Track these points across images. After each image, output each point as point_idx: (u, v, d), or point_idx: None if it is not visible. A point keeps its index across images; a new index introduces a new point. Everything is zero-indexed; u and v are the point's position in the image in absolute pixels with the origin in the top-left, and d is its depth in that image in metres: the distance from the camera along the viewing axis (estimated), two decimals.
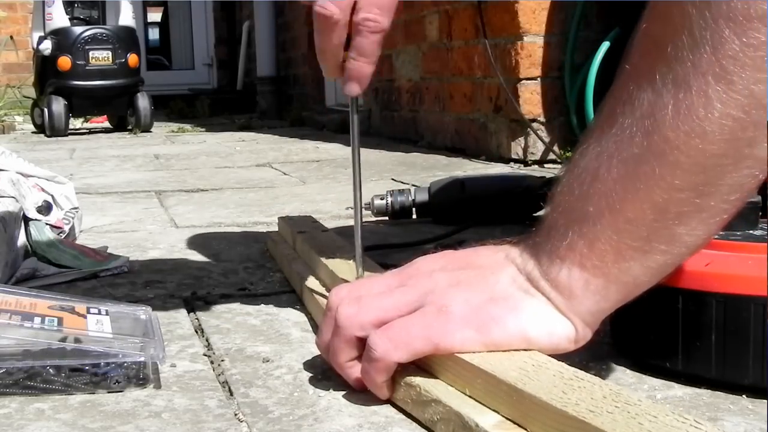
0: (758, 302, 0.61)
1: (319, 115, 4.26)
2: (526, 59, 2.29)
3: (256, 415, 0.62)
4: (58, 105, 4.13)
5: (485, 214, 1.33)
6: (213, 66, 7.41)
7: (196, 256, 1.20)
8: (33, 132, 4.44)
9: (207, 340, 0.81)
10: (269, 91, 5.37)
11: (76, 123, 4.66)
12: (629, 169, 0.55)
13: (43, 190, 1.23)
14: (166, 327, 0.84)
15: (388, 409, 0.62)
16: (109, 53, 4.28)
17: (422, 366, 0.61)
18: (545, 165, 2.26)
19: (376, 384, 0.61)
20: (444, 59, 2.76)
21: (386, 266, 0.79)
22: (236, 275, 1.07)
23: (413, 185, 1.74)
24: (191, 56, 7.76)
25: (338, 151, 2.83)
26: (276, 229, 1.23)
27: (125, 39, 4.35)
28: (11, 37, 6.20)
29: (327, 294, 0.80)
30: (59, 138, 4.04)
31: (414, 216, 1.43)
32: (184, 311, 0.91)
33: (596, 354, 0.70)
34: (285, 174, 2.24)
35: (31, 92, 4.72)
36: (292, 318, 0.87)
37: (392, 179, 2.02)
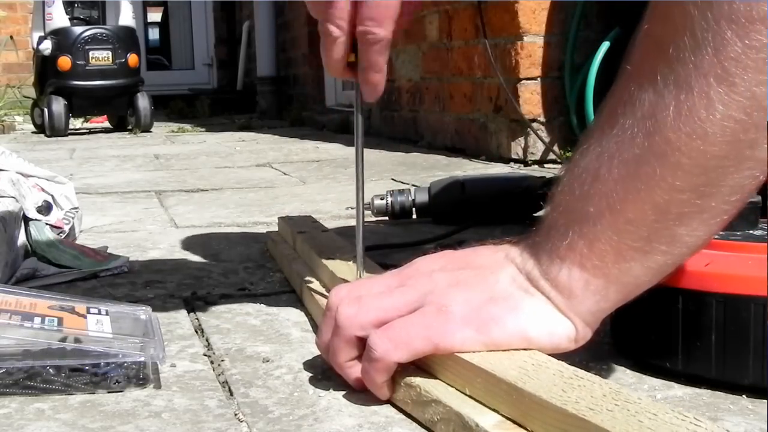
0: (758, 302, 0.61)
1: (319, 115, 4.26)
2: (526, 59, 2.29)
3: (256, 415, 0.62)
4: (58, 105, 4.13)
5: (485, 215, 1.33)
6: (213, 66, 7.41)
7: (196, 256, 1.20)
8: (33, 132, 4.44)
9: (207, 340, 0.81)
10: (269, 91, 5.37)
11: (76, 123, 4.66)
12: (630, 169, 0.55)
13: (43, 190, 1.23)
14: (166, 327, 0.84)
15: (388, 409, 0.62)
16: (109, 53, 4.28)
17: (422, 366, 0.61)
18: (545, 165, 2.26)
19: (376, 384, 0.61)
20: (444, 59, 2.76)
21: (386, 266, 0.79)
22: (236, 275, 1.07)
23: (413, 185, 1.74)
24: (191, 56, 7.76)
25: (338, 151, 2.83)
26: (276, 229, 1.23)
27: (125, 39, 4.35)
28: (11, 37, 6.21)
29: (327, 294, 0.80)
30: (59, 138, 4.04)
31: (414, 216, 1.43)
32: (184, 311, 0.91)
33: (596, 354, 0.70)
34: (285, 174, 2.24)
35: (31, 92, 4.72)
36: (292, 318, 0.87)
37: (392, 179, 2.02)
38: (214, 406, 0.64)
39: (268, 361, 0.74)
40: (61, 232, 1.19)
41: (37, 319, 0.68)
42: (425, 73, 2.94)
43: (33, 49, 4.42)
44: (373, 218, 1.42)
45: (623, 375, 0.68)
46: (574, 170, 0.58)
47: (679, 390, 0.65)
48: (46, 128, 4.13)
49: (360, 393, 0.63)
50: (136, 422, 0.61)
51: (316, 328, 0.79)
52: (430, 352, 0.59)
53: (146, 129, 4.26)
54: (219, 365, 0.73)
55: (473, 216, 1.32)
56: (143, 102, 4.29)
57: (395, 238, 1.27)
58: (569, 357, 0.59)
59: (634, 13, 0.58)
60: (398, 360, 0.60)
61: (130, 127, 4.35)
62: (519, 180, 1.45)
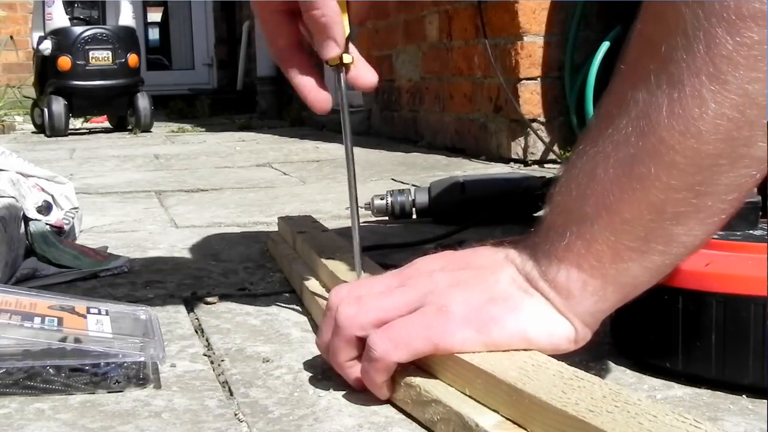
0: (758, 302, 0.61)
1: (319, 115, 4.25)
2: (526, 59, 2.29)
3: (256, 415, 0.62)
4: (58, 105, 4.13)
5: (485, 215, 1.33)
6: (213, 66, 7.41)
7: (196, 256, 1.20)
8: (33, 132, 4.44)
9: (207, 340, 0.81)
10: (269, 91, 5.37)
11: (76, 123, 4.66)
12: (625, 169, 0.55)
13: (43, 190, 1.23)
14: (166, 327, 0.84)
15: (388, 409, 0.62)
16: (109, 53, 4.28)
17: (422, 366, 0.61)
18: (545, 165, 2.26)
19: (375, 384, 0.61)
20: (444, 59, 2.76)
21: (386, 266, 0.79)
22: (236, 275, 1.07)
23: (413, 185, 1.74)
24: (191, 56, 7.76)
25: (338, 151, 2.83)
26: (276, 229, 1.23)
27: (125, 39, 4.35)
28: (11, 37, 6.20)
29: (327, 294, 0.80)
30: (59, 138, 4.04)
31: (414, 216, 1.43)
32: (184, 311, 0.91)
33: (596, 354, 0.70)
34: (285, 174, 2.24)
35: (31, 92, 4.72)
36: (292, 318, 0.87)
37: (392, 179, 2.02)
38: (214, 406, 0.64)
39: (268, 361, 0.74)
40: (61, 232, 1.19)
41: (37, 319, 0.68)
42: (425, 73, 2.94)
43: (33, 49, 4.42)
44: (373, 218, 1.42)
45: (623, 375, 0.68)
46: (571, 171, 0.58)
47: (679, 390, 0.65)
48: (46, 128, 4.13)
49: (360, 393, 0.63)
50: (136, 422, 0.61)
51: (316, 328, 0.79)
52: (430, 352, 0.59)
53: (146, 129, 4.26)
54: (219, 365, 0.73)
55: (473, 216, 1.32)
56: (143, 102, 4.29)
57: (395, 238, 1.27)
58: (569, 357, 0.59)
59: (634, 13, 0.58)
60: (398, 360, 0.60)
61: (130, 127, 4.35)
62: (519, 180, 1.45)
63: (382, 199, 1.42)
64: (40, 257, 1.08)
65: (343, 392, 0.65)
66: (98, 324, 0.70)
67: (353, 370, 0.63)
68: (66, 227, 1.22)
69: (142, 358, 0.68)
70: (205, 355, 0.76)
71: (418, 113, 3.02)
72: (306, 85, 0.73)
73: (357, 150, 0.77)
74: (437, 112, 2.85)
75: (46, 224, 1.13)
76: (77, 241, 1.25)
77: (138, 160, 2.76)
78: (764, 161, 0.52)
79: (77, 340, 0.68)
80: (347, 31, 0.71)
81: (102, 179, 2.23)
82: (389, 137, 3.20)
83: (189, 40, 7.76)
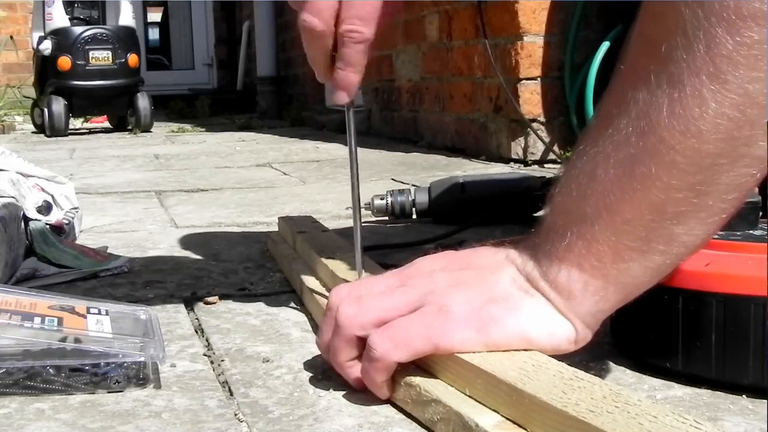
0: (758, 302, 0.61)
1: (319, 115, 4.26)
2: (526, 59, 2.29)
3: (256, 415, 0.62)
4: (58, 105, 4.14)
5: (485, 215, 1.33)
6: (213, 66, 7.41)
7: (196, 256, 1.20)
8: (33, 132, 4.44)
9: (207, 340, 0.81)
10: (269, 91, 5.37)
11: (76, 123, 4.66)
12: (626, 169, 0.55)
13: (43, 190, 1.23)
14: (166, 327, 0.84)
15: (388, 409, 0.62)
16: (109, 53, 4.28)
17: (422, 366, 0.61)
18: (545, 165, 2.26)
19: (376, 384, 0.61)
20: (444, 59, 2.76)
21: (386, 266, 0.79)
22: (236, 275, 1.07)
23: (413, 185, 1.74)
24: (191, 56, 7.76)
25: (338, 151, 2.83)
26: (276, 229, 1.23)
27: (125, 39, 4.35)
28: (11, 37, 6.20)
29: (327, 294, 0.80)
30: (59, 138, 4.04)
31: (414, 216, 1.43)
32: (184, 311, 0.91)
33: (596, 354, 0.70)
34: (285, 174, 2.24)
35: (31, 92, 4.73)
36: (292, 318, 0.87)
37: (392, 179, 2.02)
38: (214, 406, 0.64)
39: (268, 361, 0.74)
40: (61, 232, 1.19)
41: (37, 319, 0.68)
42: (425, 73, 2.94)
43: (33, 49, 4.42)
44: (373, 218, 1.42)
45: (623, 375, 0.68)
46: (572, 171, 0.58)
47: (679, 390, 0.65)
48: (46, 128, 4.13)
49: (360, 393, 0.63)
50: (136, 422, 0.61)
51: (316, 328, 0.79)
52: (430, 352, 0.59)
53: (146, 129, 4.26)
54: (219, 365, 0.73)
55: (473, 216, 1.32)
56: (143, 102, 4.29)
57: (395, 238, 1.27)
58: (569, 357, 0.59)
59: (635, 13, 0.58)
60: (398, 360, 0.60)
61: (130, 127, 4.35)
62: (519, 180, 1.45)
63: (382, 199, 1.42)
64: (40, 257, 1.08)
65: (343, 392, 0.65)
66: (98, 324, 0.70)
67: (353, 370, 0.63)
68: (66, 227, 1.22)
69: (142, 358, 0.68)
70: (205, 355, 0.76)
71: (418, 113, 3.02)
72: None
73: (357, 150, 0.77)
74: (437, 112, 2.85)
75: (46, 224, 1.13)
76: (77, 241, 1.25)
77: (138, 160, 2.76)
78: (764, 160, 0.52)
79: (77, 340, 0.68)
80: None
81: (102, 179, 2.23)
82: (389, 137, 3.20)
83: (189, 40, 7.76)
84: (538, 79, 2.30)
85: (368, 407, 0.62)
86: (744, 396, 0.62)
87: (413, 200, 1.42)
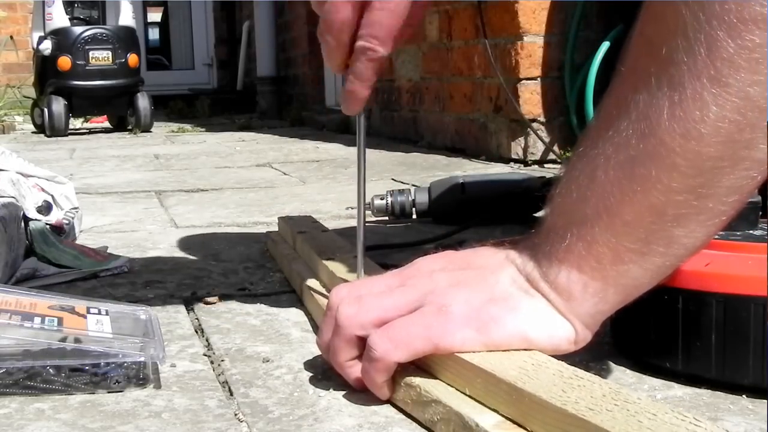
0: (758, 302, 0.61)
1: (319, 115, 4.26)
2: (526, 59, 2.29)
3: (256, 415, 0.62)
4: (58, 105, 4.13)
5: (485, 215, 1.33)
6: (213, 66, 7.41)
7: (196, 256, 1.20)
8: (33, 132, 4.44)
9: (207, 340, 0.81)
10: (269, 91, 5.37)
11: (76, 123, 4.66)
12: (626, 171, 0.55)
13: (43, 190, 1.23)
14: (166, 327, 0.84)
15: (388, 409, 0.62)
16: (109, 53, 4.28)
17: (422, 366, 0.61)
18: (545, 165, 2.26)
19: (376, 384, 0.61)
20: (444, 59, 2.76)
21: (386, 266, 0.79)
22: (236, 275, 1.07)
23: (413, 185, 1.74)
24: (191, 56, 7.76)
25: (338, 151, 2.83)
26: (276, 229, 1.23)
27: (125, 39, 4.35)
28: (11, 37, 6.20)
29: (327, 294, 0.80)
30: (59, 138, 4.04)
31: (414, 216, 1.43)
32: (184, 311, 0.91)
33: (596, 354, 0.70)
34: (285, 174, 2.24)
35: (31, 92, 4.73)
36: (292, 318, 0.87)
37: (392, 179, 2.02)
38: (214, 406, 0.64)
39: (268, 361, 0.74)
40: (61, 232, 1.19)
41: (37, 319, 0.68)
42: (425, 73, 2.94)
43: (33, 49, 4.42)
44: (373, 218, 1.42)
45: (623, 375, 0.68)
46: (572, 172, 0.59)
47: (679, 390, 0.65)
48: (46, 128, 4.13)
49: (360, 393, 0.63)
50: (136, 422, 0.61)
51: (316, 328, 0.79)
52: (430, 352, 0.59)
53: (146, 129, 4.26)
54: (219, 365, 0.73)
55: (473, 216, 1.32)
56: (143, 102, 4.29)
57: (395, 238, 1.27)
58: (569, 357, 0.59)
59: (635, 13, 0.58)
60: (398, 360, 0.60)
61: (130, 127, 4.35)
62: (519, 180, 1.45)
63: (382, 199, 1.42)
64: (40, 257, 1.08)
65: (343, 392, 0.65)
66: (98, 324, 0.70)
67: (353, 370, 0.63)
68: (66, 227, 1.22)
69: (142, 358, 0.68)
70: (205, 355, 0.76)
71: (418, 113, 3.02)
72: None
73: (365, 155, 0.77)
74: (437, 112, 2.85)
75: (46, 224, 1.13)
76: (77, 241, 1.25)
77: (138, 160, 2.76)
78: (765, 163, 0.52)
79: (77, 340, 0.68)
80: None
81: (102, 179, 2.23)
82: (389, 137, 3.20)
83: (189, 40, 7.76)
84: (538, 79, 2.30)
85: (368, 407, 0.62)
86: (744, 396, 0.62)
87: (413, 200, 1.42)
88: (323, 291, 0.84)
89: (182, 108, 5.52)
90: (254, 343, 0.79)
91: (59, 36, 4.24)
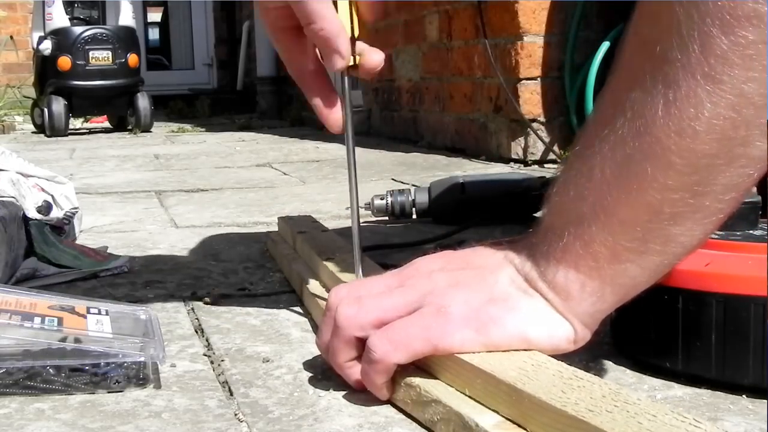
0: (758, 302, 0.61)
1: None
2: (526, 59, 2.29)
3: (256, 415, 0.62)
4: (58, 105, 4.13)
5: (485, 215, 1.33)
6: (213, 66, 7.41)
7: (196, 256, 1.20)
8: (33, 132, 4.43)
9: (207, 340, 0.81)
10: (269, 91, 5.37)
11: (76, 123, 4.66)
12: (622, 170, 0.55)
13: (43, 190, 1.23)
14: (166, 327, 0.84)
15: (388, 409, 0.62)
16: (109, 53, 4.28)
17: (422, 366, 0.61)
18: (545, 165, 2.26)
19: (375, 385, 0.61)
20: (444, 59, 2.76)
21: (386, 266, 0.79)
22: (236, 275, 1.07)
23: (413, 185, 1.74)
24: (191, 56, 7.76)
25: (338, 151, 2.83)
26: (276, 229, 1.23)
27: (125, 39, 4.35)
28: (11, 37, 6.20)
29: (327, 294, 0.80)
30: (59, 138, 4.04)
31: (414, 216, 1.43)
32: (184, 311, 0.91)
33: (596, 354, 0.70)
34: (285, 174, 2.24)
35: (31, 92, 4.72)
36: (292, 318, 0.87)
37: (392, 179, 2.02)
38: (214, 406, 0.64)
39: (268, 361, 0.74)
40: (61, 232, 1.19)
41: (37, 319, 0.68)
42: (425, 73, 2.94)
43: (33, 49, 4.42)
44: (373, 218, 1.42)
45: (623, 375, 0.68)
46: (569, 172, 0.59)
47: (679, 390, 0.65)
48: (46, 128, 4.13)
49: (360, 393, 0.63)
50: (136, 422, 0.61)
51: (316, 328, 0.79)
52: (429, 353, 0.59)
53: (146, 129, 4.26)
54: (219, 365, 0.73)
55: (473, 216, 1.32)
56: (143, 102, 4.29)
57: (395, 238, 1.27)
58: (569, 357, 0.59)
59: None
60: (398, 361, 0.60)
61: (130, 127, 4.35)
62: (519, 180, 1.45)
63: (382, 199, 1.42)
64: (40, 257, 1.08)
65: (343, 392, 0.65)
66: (98, 324, 0.70)
67: (353, 371, 0.63)
68: (66, 227, 1.22)
69: (142, 358, 0.68)
70: (205, 355, 0.76)
71: (418, 113, 3.02)
72: (322, 107, 0.73)
73: (357, 150, 0.77)
74: (437, 112, 2.85)
75: (46, 224, 1.13)
76: (77, 241, 1.25)
77: (138, 160, 2.76)
78: (761, 160, 0.52)
79: (77, 340, 0.68)
80: (356, 32, 0.70)
81: (102, 179, 2.23)
82: (389, 137, 3.20)
83: (189, 40, 7.76)
84: (538, 79, 2.30)
85: (368, 407, 0.62)
86: (744, 396, 0.62)
87: (413, 200, 1.42)
88: (323, 291, 0.84)
89: (182, 108, 5.52)
90: (254, 343, 0.79)
91: (59, 36, 4.24)
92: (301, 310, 0.89)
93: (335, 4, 0.69)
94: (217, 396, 0.66)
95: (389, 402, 0.63)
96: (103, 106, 4.44)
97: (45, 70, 4.28)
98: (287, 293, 0.97)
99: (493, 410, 0.54)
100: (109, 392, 0.66)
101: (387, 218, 1.43)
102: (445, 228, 1.29)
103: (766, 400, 0.61)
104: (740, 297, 0.62)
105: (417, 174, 2.11)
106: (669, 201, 0.54)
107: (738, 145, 0.52)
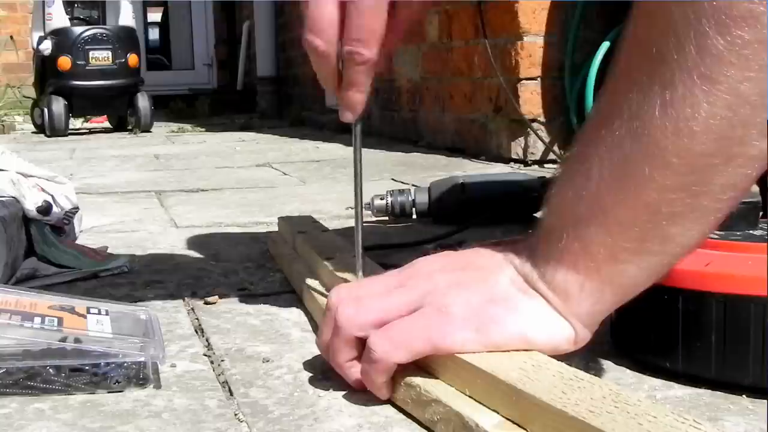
0: (758, 302, 0.61)
1: (319, 114, 4.26)
2: (526, 59, 2.29)
3: (256, 415, 0.62)
4: (58, 105, 4.14)
5: (485, 215, 1.33)
6: (213, 66, 7.41)
7: (196, 256, 1.20)
8: (33, 132, 4.44)
9: (207, 340, 0.81)
10: (269, 91, 5.37)
11: (76, 123, 4.66)
12: (620, 170, 0.55)
13: (43, 190, 1.22)
14: (166, 327, 0.84)
15: (388, 409, 0.62)
16: (109, 53, 4.28)
17: (422, 366, 0.61)
18: (545, 165, 2.26)
19: (375, 385, 0.61)
20: (444, 59, 2.76)
21: (386, 266, 0.79)
22: (236, 275, 1.07)
23: (413, 185, 1.74)
24: (191, 56, 7.76)
25: (338, 150, 2.83)
26: (276, 229, 1.23)
27: (125, 39, 4.35)
28: (11, 37, 6.21)
29: (327, 294, 0.80)
30: (59, 138, 4.04)
31: (414, 216, 1.43)
32: (184, 311, 0.91)
33: (596, 354, 0.70)
34: (285, 174, 2.24)
35: (31, 92, 4.73)
36: (292, 318, 0.87)
37: (392, 179, 2.02)
38: (214, 406, 0.64)
39: (268, 361, 0.74)
40: (61, 232, 1.19)
41: (37, 319, 0.68)
42: (425, 73, 2.94)
43: (33, 49, 4.42)
44: (373, 218, 1.42)
45: (623, 375, 0.68)
46: (567, 172, 0.59)
47: (679, 390, 0.65)
48: (46, 128, 4.13)
49: (360, 393, 0.63)
50: (136, 422, 0.61)
51: (316, 328, 0.79)
52: (429, 352, 0.59)
53: (146, 129, 4.26)
54: (219, 365, 0.73)
55: (473, 216, 1.32)
56: (143, 102, 4.29)
57: (395, 238, 1.27)
58: (569, 357, 0.59)
59: None
60: (398, 361, 0.60)
61: (130, 127, 4.35)
62: (519, 180, 1.45)
63: (382, 199, 1.42)
64: (40, 257, 1.08)
65: (343, 392, 0.65)
66: (98, 324, 0.70)
67: (353, 371, 0.63)
68: (66, 227, 1.22)
69: (142, 358, 0.68)
70: (205, 355, 0.76)
71: (418, 113, 3.02)
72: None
73: (362, 164, 0.77)
74: (437, 112, 2.85)
75: (46, 224, 1.13)
76: (77, 241, 1.25)
77: (138, 160, 2.76)
78: (759, 160, 0.52)
79: (77, 340, 0.68)
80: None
81: (102, 179, 2.23)
82: (389, 137, 3.20)
83: (189, 40, 7.76)
84: (538, 79, 2.30)
85: (368, 407, 0.62)
86: (744, 396, 0.62)
87: (413, 200, 1.42)
88: (323, 291, 0.84)
89: (182, 108, 5.52)
90: (254, 343, 0.79)
91: (59, 36, 4.24)
92: (301, 310, 0.89)
93: None
94: (217, 396, 0.66)
95: (389, 402, 0.63)
96: (103, 106, 4.45)
97: (45, 70, 4.28)
98: (287, 293, 0.97)
99: (494, 410, 0.54)
100: (109, 392, 0.66)
101: (387, 218, 1.43)
102: (445, 228, 1.29)
103: (766, 400, 0.61)
104: (740, 297, 0.62)
105: (417, 174, 2.11)
106: (667, 201, 0.54)
107: (735, 145, 0.52)
